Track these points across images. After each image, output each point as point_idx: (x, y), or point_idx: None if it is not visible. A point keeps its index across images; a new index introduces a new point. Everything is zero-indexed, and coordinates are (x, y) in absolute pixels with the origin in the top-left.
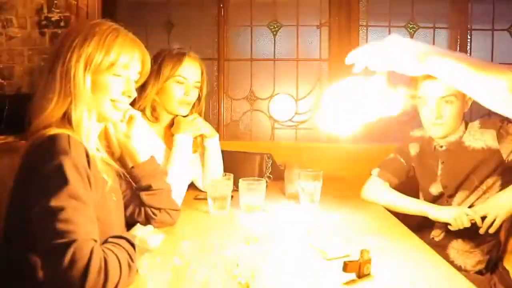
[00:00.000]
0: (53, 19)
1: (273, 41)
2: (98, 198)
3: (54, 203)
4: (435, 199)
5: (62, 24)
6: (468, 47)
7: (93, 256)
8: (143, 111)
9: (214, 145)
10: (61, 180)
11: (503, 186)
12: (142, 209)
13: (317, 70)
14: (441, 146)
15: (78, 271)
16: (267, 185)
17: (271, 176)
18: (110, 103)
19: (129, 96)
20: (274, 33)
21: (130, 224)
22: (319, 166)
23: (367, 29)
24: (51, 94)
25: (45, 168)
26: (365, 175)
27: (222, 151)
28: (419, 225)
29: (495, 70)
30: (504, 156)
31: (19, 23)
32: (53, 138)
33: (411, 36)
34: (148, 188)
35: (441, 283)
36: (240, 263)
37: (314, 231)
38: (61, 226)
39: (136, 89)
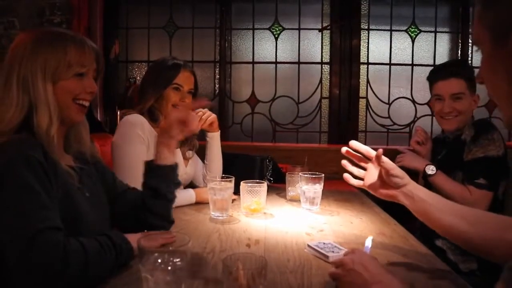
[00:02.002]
0: (55, 21)
1: (275, 44)
2: (61, 192)
3: (5, 196)
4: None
5: (64, 26)
6: (470, 51)
7: (49, 243)
8: (142, 115)
9: (216, 140)
10: (11, 175)
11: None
12: (134, 211)
13: (318, 73)
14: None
15: (37, 260)
16: (268, 188)
17: (272, 179)
18: (74, 104)
19: (92, 92)
20: (276, 36)
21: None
22: (321, 169)
23: (368, 33)
24: (8, 105)
25: None
26: None
27: (224, 153)
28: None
29: None
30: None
31: (21, 25)
32: (9, 142)
33: (413, 40)
34: (155, 190)
35: (441, 286)
36: (241, 265)
37: (315, 234)
38: (14, 219)
39: (135, 95)
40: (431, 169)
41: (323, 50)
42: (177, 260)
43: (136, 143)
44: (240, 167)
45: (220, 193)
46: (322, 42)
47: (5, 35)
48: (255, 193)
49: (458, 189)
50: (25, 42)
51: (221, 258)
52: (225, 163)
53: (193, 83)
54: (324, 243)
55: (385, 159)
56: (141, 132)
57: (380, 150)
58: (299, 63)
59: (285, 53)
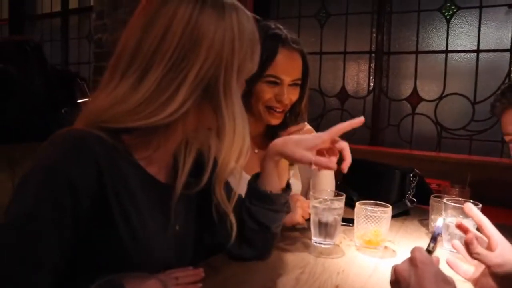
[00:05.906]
0: None
1: (446, 29)
2: (128, 229)
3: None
4: None
5: None
6: None
7: None
8: None
9: None
10: (20, 203)
11: None
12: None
13: (506, 64)
14: None
15: None
16: (409, 212)
17: (415, 200)
18: None
19: None
20: (448, 17)
21: None
22: (492, 193)
23: None
24: (164, 105)
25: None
26: None
27: (360, 159)
28: None
29: None
30: None
31: None
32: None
33: None
34: (257, 222)
35: None
36: None
37: None
38: None
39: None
40: None
41: None
42: None
43: None
44: (372, 180)
45: (323, 214)
46: None
47: None
48: (374, 220)
49: None
50: (218, 20)
51: None
52: (357, 172)
53: (300, 69)
54: None
55: (480, 250)
56: None
57: (470, 236)
58: (478, 51)
59: (460, 39)
